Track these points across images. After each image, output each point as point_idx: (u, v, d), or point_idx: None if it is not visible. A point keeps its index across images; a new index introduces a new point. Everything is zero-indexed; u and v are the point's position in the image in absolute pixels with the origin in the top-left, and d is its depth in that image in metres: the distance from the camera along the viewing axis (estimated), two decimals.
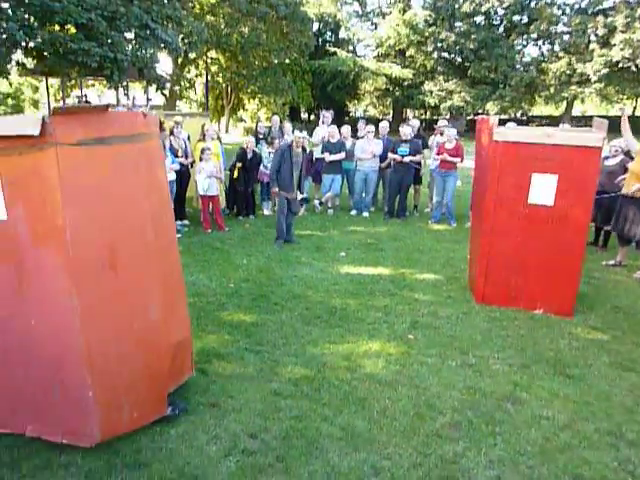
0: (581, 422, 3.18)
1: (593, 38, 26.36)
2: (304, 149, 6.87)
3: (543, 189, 4.58)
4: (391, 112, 33.19)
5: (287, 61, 25.07)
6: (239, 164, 7.91)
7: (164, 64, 20.52)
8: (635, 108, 31.75)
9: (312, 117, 32.81)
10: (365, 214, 8.76)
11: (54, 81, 21.81)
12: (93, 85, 27.14)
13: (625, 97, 28.20)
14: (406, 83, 29.40)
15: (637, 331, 4.51)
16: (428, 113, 33.57)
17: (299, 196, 7.10)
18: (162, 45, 14.01)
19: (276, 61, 23.84)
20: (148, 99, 19.99)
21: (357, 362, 3.83)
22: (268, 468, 2.72)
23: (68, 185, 2.45)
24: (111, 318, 2.70)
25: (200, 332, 4.15)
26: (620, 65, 24.90)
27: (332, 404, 3.29)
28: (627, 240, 6.15)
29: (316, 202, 9.04)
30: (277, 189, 6.75)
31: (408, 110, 33.83)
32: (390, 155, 8.26)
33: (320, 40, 30.83)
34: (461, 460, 2.82)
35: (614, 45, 24.80)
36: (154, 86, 15.76)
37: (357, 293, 5.22)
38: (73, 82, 21.44)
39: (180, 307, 3.28)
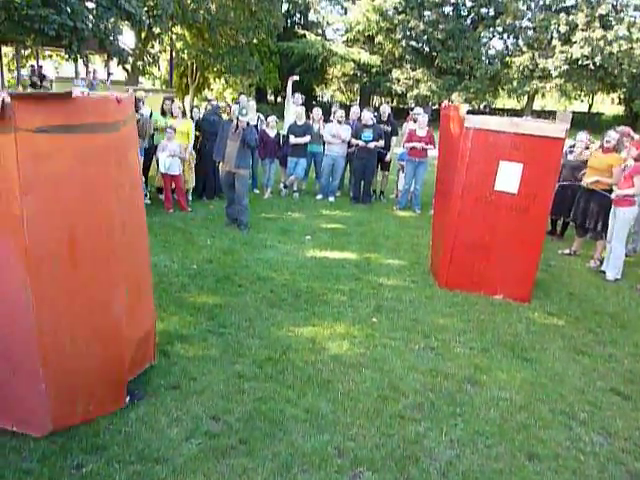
0: (536, 403, 3.29)
1: (555, 35, 27.03)
2: (248, 123, 6.40)
3: (509, 177, 4.67)
4: (358, 98, 33.13)
5: (255, 41, 24.51)
6: (197, 132, 7.71)
7: (127, 38, 19.72)
8: (591, 106, 32.88)
9: (279, 99, 32.36)
10: (331, 199, 8.74)
11: (8, 50, 20.57)
12: (50, 57, 25.79)
13: (582, 93, 29.16)
14: (374, 70, 29.35)
15: (590, 317, 4.71)
16: (395, 101, 33.69)
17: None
18: (125, 16, 13.42)
19: (244, 41, 23.24)
20: (109, 73, 19.19)
21: (321, 345, 3.82)
22: (231, 450, 2.69)
23: (27, 174, 2.29)
24: (68, 314, 2.60)
25: (162, 314, 4.04)
26: (579, 62, 25.67)
27: (296, 386, 3.28)
28: (584, 230, 6.39)
29: (281, 185, 8.94)
30: (220, 162, 6.62)
31: (375, 97, 33.87)
32: (353, 141, 8.26)
33: (289, 22, 30.30)
34: (423, 440, 2.87)
35: (574, 42, 25.53)
36: (115, 60, 15.12)
37: (322, 277, 5.21)
38: (29, 52, 20.31)
39: (146, 298, 3.19)
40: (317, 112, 8.84)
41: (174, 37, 22.34)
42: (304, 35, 27.79)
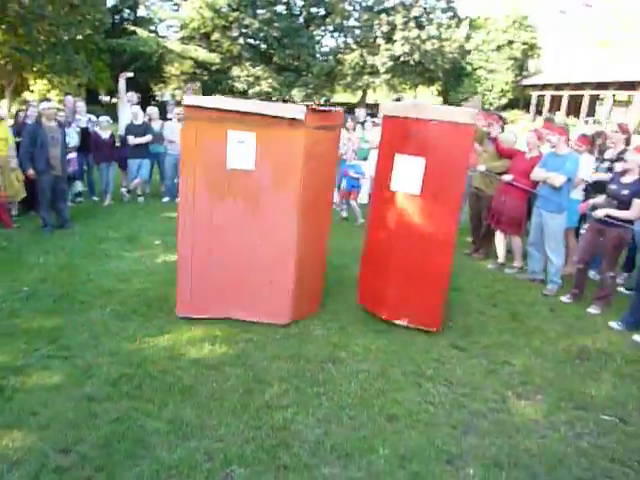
0: (391, 369, 3.56)
1: (379, 34, 29.34)
2: (61, 124, 6.51)
3: (408, 173, 3.80)
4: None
5: (80, 38, 22.35)
6: (17, 139, 6.79)
7: None
8: (415, 97, 36.50)
9: (114, 100, 30.10)
10: (178, 200, 8.38)
11: None
12: None
13: (408, 87, 32.20)
14: (214, 68, 28.87)
15: None
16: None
17: (76, 189, 7.50)
18: None
19: (66, 37, 21.04)
20: None
21: (180, 351, 3.66)
22: None
23: (307, 154, 3.71)
24: (309, 241, 4.03)
25: None
26: (401, 59, 28.25)
27: (156, 398, 3.09)
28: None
29: (123, 190, 8.33)
30: (32, 171, 6.19)
31: (218, 95, 33.38)
32: None
33: (118, 17, 28.28)
34: (291, 425, 2.91)
35: (396, 41, 28.01)
36: None
37: (175, 281, 4.96)
38: None
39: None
40: (152, 111, 8.41)
41: None
42: (135, 32, 26.16)
